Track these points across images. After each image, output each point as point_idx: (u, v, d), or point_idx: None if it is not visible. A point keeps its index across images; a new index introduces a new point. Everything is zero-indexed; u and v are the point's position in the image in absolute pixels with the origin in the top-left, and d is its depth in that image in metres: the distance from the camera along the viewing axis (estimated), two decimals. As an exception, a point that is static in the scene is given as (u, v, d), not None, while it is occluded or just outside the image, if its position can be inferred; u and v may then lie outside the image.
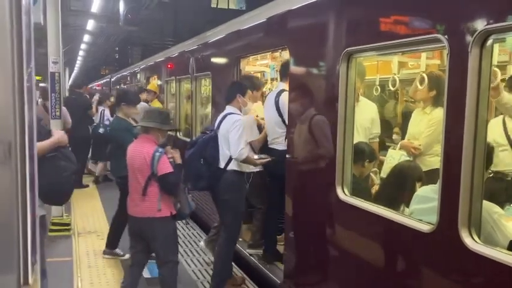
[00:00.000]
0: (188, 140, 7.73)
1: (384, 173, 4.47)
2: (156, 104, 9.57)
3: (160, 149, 3.93)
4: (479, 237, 2.44)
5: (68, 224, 6.62)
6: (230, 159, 4.47)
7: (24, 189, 0.79)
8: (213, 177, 4.49)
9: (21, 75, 0.77)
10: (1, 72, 0.74)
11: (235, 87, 4.77)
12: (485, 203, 2.65)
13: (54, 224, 6.55)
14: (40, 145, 3.10)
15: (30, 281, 0.81)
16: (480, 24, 2.35)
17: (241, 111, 4.64)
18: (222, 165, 4.51)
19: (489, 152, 2.72)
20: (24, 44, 0.78)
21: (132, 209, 4.08)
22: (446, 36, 2.55)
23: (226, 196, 4.52)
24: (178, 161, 4.11)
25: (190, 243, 6.27)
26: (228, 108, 4.64)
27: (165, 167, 3.88)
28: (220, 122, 4.57)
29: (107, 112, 10.21)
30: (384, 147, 5.21)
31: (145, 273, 5.22)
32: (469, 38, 2.40)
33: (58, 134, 3.37)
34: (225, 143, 4.48)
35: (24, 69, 0.78)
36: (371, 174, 4.23)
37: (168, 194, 3.97)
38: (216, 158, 4.50)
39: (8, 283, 0.77)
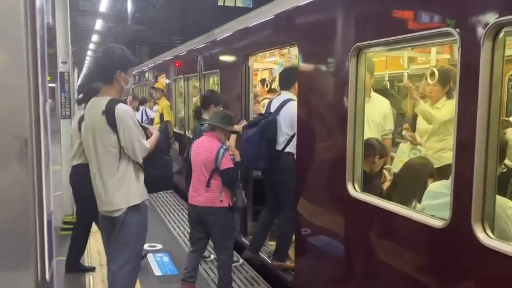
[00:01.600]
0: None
1: (394, 168, 4.46)
2: (164, 101, 9.58)
3: (224, 146, 4.38)
4: (492, 232, 2.42)
5: (80, 223, 6.64)
6: (288, 143, 4.68)
7: (40, 185, 0.79)
8: (270, 158, 4.71)
9: (36, 73, 0.77)
10: (17, 70, 0.74)
11: (293, 74, 4.77)
12: (499, 198, 2.62)
13: (65, 223, 6.59)
14: (151, 141, 3.54)
15: (47, 276, 0.81)
16: (492, 17, 2.32)
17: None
18: (280, 147, 4.73)
19: (502, 146, 2.69)
20: (38, 43, 0.78)
21: (194, 199, 4.45)
22: (457, 30, 2.52)
23: (283, 176, 4.71)
24: (238, 158, 4.55)
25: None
26: (286, 94, 4.84)
27: (227, 162, 4.31)
28: (281, 106, 4.75)
29: (149, 111, 10.63)
30: (394, 143, 5.17)
31: (157, 271, 5.25)
32: (480, 31, 2.37)
33: (156, 132, 3.75)
34: (286, 126, 4.68)
35: (39, 67, 0.78)
36: (384, 171, 4.21)
37: (227, 187, 4.37)
38: (275, 140, 4.73)
39: (26, 279, 0.77)
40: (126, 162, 3.39)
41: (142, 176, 3.51)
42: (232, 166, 4.34)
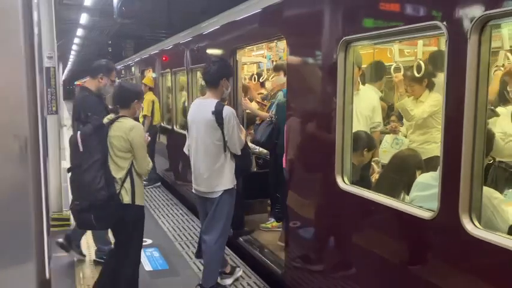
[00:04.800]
0: (185, 133, 7.70)
1: (380, 157, 4.51)
2: (150, 96, 9.51)
3: None
4: (479, 223, 2.47)
5: (68, 219, 6.61)
6: None
7: (39, 184, 0.79)
8: None
9: (34, 71, 0.77)
10: (15, 68, 0.74)
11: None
12: (485, 188, 2.67)
13: (54, 219, 6.54)
14: (243, 137, 4.35)
15: (47, 275, 0.82)
16: (479, 10, 2.35)
17: None
18: None
19: (489, 138, 2.73)
20: (36, 41, 0.78)
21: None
22: (444, 23, 2.55)
23: None
24: None
25: (191, 236, 6.30)
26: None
27: None
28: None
29: None
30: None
31: (147, 266, 5.25)
32: (467, 24, 2.40)
33: (243, 129, 4.53)
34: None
35: (36, 65, 0.78)
36: (372, 163, 4.25)
37: None
38: None
39: (26, 279, 0.77)
40: (227, 153, 4.20)
41: (234, 165, 4.29)
42: None
